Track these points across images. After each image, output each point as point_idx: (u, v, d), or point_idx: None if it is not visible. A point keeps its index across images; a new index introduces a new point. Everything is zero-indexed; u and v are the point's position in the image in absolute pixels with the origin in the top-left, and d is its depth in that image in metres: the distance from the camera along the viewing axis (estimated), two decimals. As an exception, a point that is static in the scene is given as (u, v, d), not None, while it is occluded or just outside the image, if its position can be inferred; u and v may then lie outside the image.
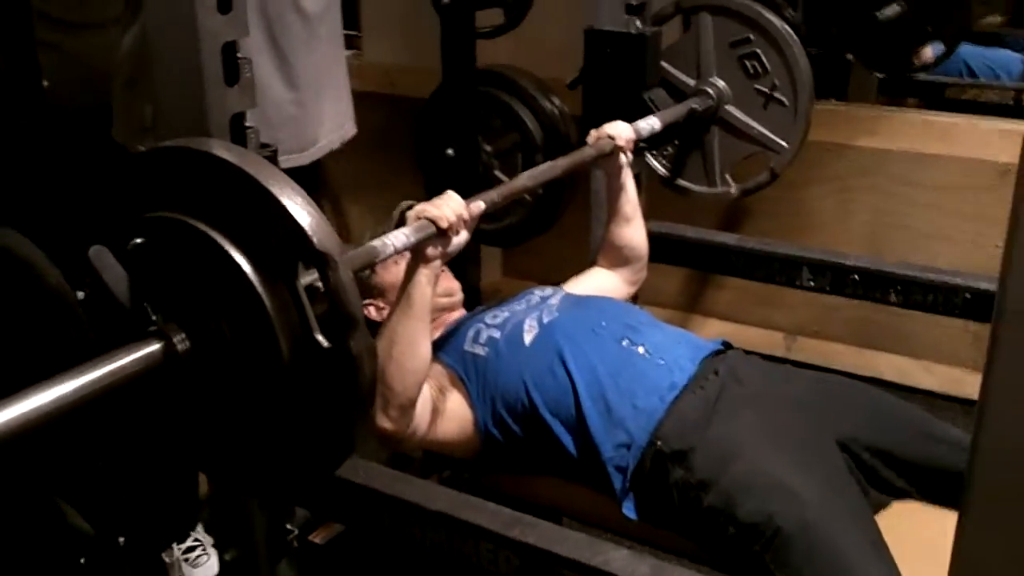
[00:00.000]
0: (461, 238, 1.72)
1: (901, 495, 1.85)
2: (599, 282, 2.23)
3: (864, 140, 3.08)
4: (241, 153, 1.28)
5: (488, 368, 1.90)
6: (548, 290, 2.10)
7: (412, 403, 1.76)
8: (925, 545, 1.71)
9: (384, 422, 1.74)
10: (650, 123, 2.23)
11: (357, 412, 1.30)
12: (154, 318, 1.31)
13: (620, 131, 2.12)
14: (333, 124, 2.42)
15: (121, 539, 2.06)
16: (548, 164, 1.98)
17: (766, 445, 1.73)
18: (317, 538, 1.97)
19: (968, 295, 2.19)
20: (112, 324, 1.35)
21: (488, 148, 2.62)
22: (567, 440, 1.84)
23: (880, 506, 1.82)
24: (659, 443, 1.76)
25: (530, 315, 1.97)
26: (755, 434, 1.76)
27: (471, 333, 1.96)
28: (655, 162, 2.56)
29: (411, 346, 1.72)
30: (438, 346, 1.97)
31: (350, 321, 1.23)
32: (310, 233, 1.21)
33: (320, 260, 1.21)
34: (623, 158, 2.15)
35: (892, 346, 3.14)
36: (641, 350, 1.88)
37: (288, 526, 1.75)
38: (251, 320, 1.25)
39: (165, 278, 1.30)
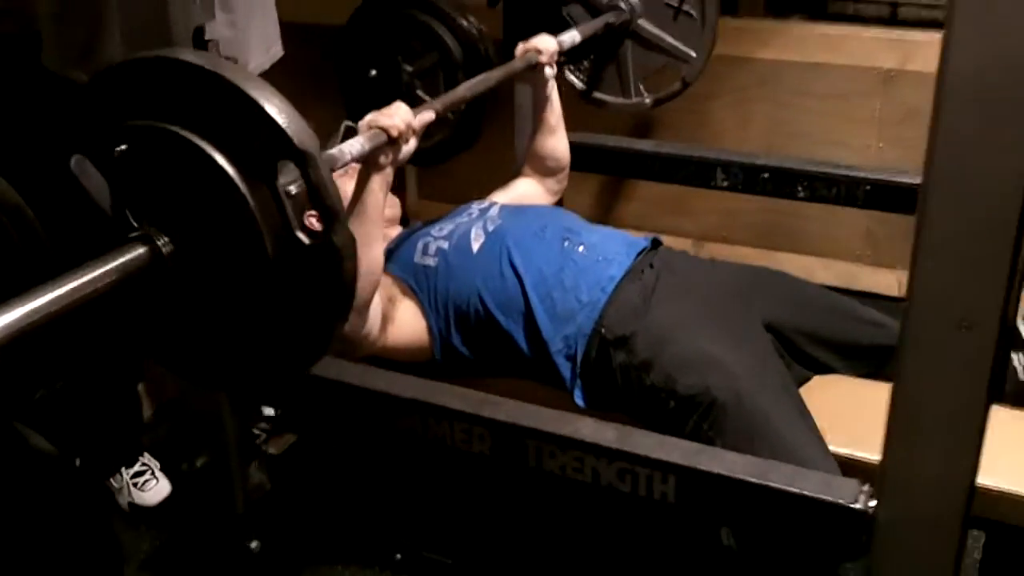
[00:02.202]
0: (410, 146, 1.79)
1: (824, 370, 2.01)
2: (524, 190, 2.34)
3: (760, 52, 3.22)
4: (215, 59, 1.32)
5: (439, 277, 1.99)
6: (485, 203, 2.19)
7: (366, 304, 1.83)
8: (845, 411, 1.89)
9: None
10: (571, 36, 2.32)
11: (340, 305, 1.36)
12: (135, 224, 1.36)
13: (545, 44, 2.21)
14: (262, 46, 2.45)
15: (77, 460, 2.10)
16: (483, 76, 2.05)
17: (700, 326, 1.87)
18: (272, 448, 2.04)
19: (868, 187, 2.37)
20: (94, 232, 1.40)
21: (409, 68, 2.67)
22: (519, 338, 1.94)
23: (803, 379, 1.98)
24: (603, 331, 1.88)
25: (475, 225, 2.06)
26: (690, 317, 1.89)
27: (420, 245, 2.05)
28: (572, 77, 2.66)
29: (365, 248, 1.78)
30: (387, 259, 2.04)
31: (333, 215, 1.29)
32: (291, 133, 1.26)
33: (301, 158, 1.27)
34: (548, 70, 2.24)
35: (792, 246, 3.31)
36: (581, 249, 1.99)
37: (255, 430, 1.82)
38: (236, 220, 1.29)
39: (148, 184, 1.35)
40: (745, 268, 2.15)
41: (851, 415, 1.89)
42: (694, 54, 2.51)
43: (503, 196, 2.30)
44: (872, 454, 1.77)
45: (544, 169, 2.36)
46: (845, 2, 3.87)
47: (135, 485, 2.51)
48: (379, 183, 1.77)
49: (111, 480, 2.52)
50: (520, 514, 2.32)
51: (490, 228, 2.03)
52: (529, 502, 2.27)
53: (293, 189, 1.29)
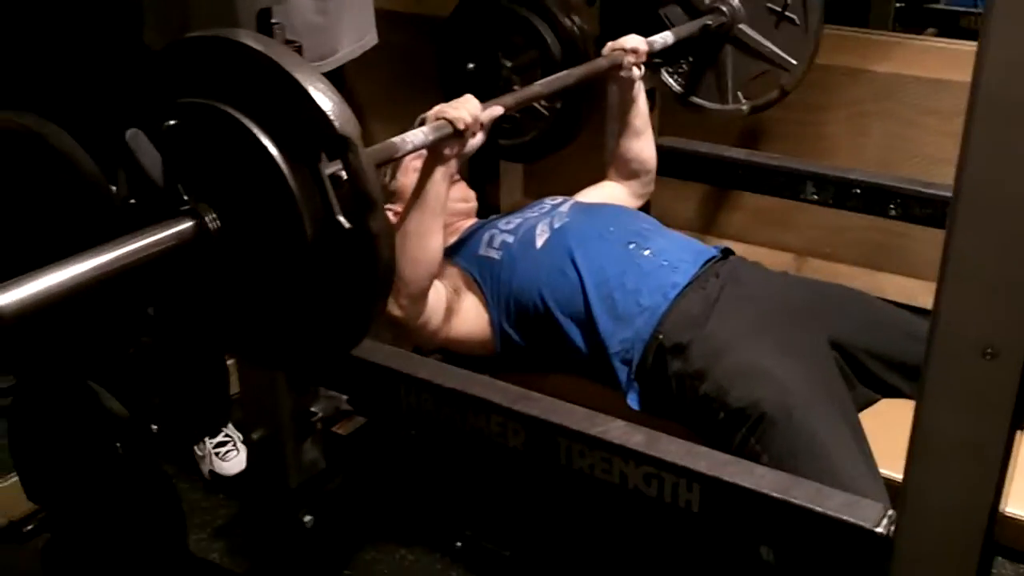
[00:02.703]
0: (476, 140, 1.80)
1: (893, 393, 1.95)
2: (608, 193, 2.33)
3: (880, 65, 3.11)
4: (268, 42, 1.36)
5: (502, 271, 2.00)
6: (559, 199, 2.19)
7: (423, 293, 1.86)
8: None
9: (395, 310, 1.86)
10: (664, 38, 2.31)
11: (375, 290, 1.38)
12: (186, 198, 1.41)
13: (633, 44, 2.20)
14: (354, 34, 2.50)
15: (154, 426, 2.17)
16: (563, 73, 2.06)
17: (758, 340, 1.83)
18: (340, 429, 2.08)
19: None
20: (147, 204, 1.46)
21: (508, 64, 2.68)
22: (576, 337, 1.94)
23: (869, 401, 1.92)
24: (661, 337, 1.86)
25: (542, 221, 2.06)
26: (749, 329, 1.86)
27: (486, 238, 2.06)
28: (670, 79, 2.63)
29: (424, 238, 1.82)
30: (454, 250, 2.07)
31: (369, 202, 1.30)
32: (332, 118, 1.29)
33: (341, 143, 1.29)
34: (635, 71, 2.23)
35: (897, 267, 3.20)
36: (647, 253, 1.98)
37: (313, 409, 1.86)
38: (277, 201, 1.33)
39: (198, 161, 1.40)
40: (818, 284, 2.10)
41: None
42: (795, 62, 2.46)
43: (586, 196, 2.29)
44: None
45: (628, 172, 2.35)
46: (978, 18, 3.73)
47: (217, 454, 2.60)
48: (442, 174, 1.80)
49: (195, 448, 2.62)
50: (575, 513, 2.31)
51: (556, 225, 2.03)
52: (582, 502, 2.26)
53: (340, 174, 1.33)
